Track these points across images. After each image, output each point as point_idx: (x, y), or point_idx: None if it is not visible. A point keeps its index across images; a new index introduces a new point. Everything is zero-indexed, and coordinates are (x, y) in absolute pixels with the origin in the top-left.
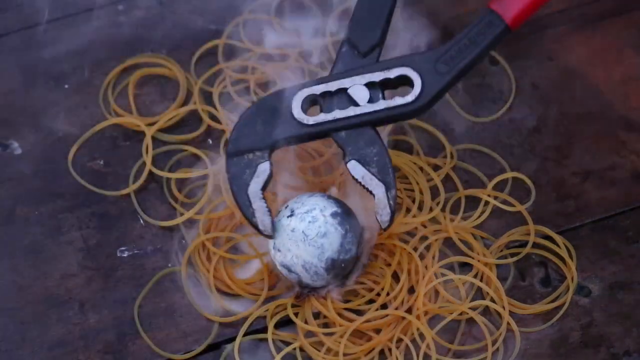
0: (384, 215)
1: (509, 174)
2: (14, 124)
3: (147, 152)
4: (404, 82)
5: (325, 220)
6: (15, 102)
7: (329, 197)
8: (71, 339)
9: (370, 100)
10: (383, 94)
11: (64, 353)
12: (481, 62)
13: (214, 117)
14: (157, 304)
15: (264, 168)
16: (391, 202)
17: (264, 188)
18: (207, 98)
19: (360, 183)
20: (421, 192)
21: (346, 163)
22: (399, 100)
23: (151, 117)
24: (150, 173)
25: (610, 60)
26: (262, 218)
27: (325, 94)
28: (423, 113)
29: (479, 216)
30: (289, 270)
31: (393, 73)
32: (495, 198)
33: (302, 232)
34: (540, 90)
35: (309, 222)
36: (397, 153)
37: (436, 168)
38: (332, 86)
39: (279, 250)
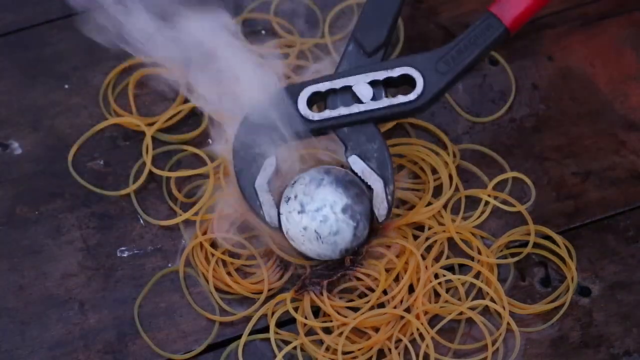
0: (382, 209)
1: (509, 174)
2: (14, 124)
3: (147, 152)
4: (407, 81)
5: (336, 218)
6: (15, 102)
7: (337, 185)
8: (71, 339)
9: (374, 98)
10: (386, 92)
11: (64, 353)
12: (480, 61)
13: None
14: (157, 304)
15: (270, 162)
16: (389, 196)
17: (270, 182)
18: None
19: (360, 177)
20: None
21: (347, 158)
22: (401, 99)
23: (151, 117)
24: (150, 173)
25: (610, 60)
26: (269, 211)
27: (330, 91)
28: (423, 111)
29: (479, 216)
30: (305, 256)
31: (396, 72)
32: (495, 198)
33: (315, 231)
34: (540, 90)
35: (321, 221)
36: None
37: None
38: (337, 84)
39: (293, 240)
